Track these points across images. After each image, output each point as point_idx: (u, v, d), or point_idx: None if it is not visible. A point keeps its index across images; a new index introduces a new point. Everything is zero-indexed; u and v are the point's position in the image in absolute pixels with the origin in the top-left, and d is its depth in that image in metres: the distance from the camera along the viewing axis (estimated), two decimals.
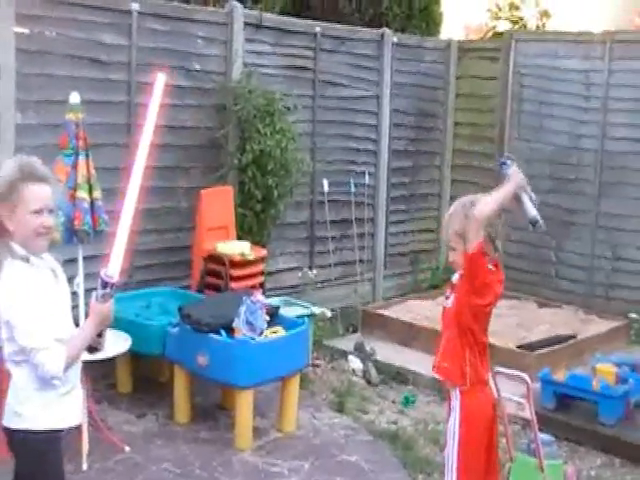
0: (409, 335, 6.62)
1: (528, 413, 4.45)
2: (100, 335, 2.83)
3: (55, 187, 2.85)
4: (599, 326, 7.03)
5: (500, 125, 8.20)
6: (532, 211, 3.23)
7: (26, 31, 5.21)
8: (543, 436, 4.56)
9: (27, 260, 2.77)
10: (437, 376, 3.47)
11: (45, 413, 2.79)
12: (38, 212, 2.75)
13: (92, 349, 2.87)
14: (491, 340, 6.10)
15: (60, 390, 2.81)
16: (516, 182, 3.19)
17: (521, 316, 7.22)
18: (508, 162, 3.27)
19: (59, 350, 2.71)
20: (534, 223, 3.22)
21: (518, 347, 6.26)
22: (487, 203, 3.11)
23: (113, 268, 2.73)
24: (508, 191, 3.18)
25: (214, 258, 5.80)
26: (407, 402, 5.73)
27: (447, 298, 3.39)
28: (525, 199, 3.24)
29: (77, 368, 2.92)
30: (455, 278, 3.38)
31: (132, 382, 5.54)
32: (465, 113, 8.53)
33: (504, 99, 8.16)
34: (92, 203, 4.65)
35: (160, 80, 2.91)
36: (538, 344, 6.32)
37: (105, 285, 2.73)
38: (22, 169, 2.75)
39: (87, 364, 4.57)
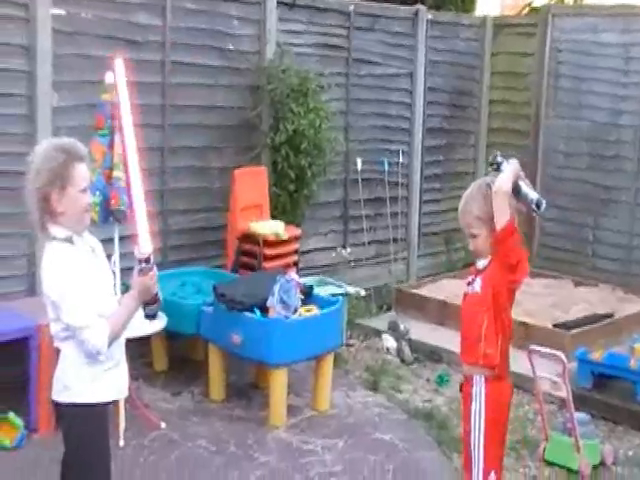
0: (443, 314, 6.59)
1: (564, 392, 4.44)
2: (154, 302, 2.89)
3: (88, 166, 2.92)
4: (637, 305, 6.93)
5: (536, 103, 8.08)
6: (533, 194, 3.15)
7: (62, 12, 5.24)
8: (579, 415, 4.55)
9: (70, 241, 2.83)
10: (477, 365, 3.22)
11: (93, 387, 2.86)
12: (84, 190, 2.84)
13: (149, 316, 2.95)
14: (527, 319, 6.15)
15: (106, 364, 2.88)
16: (513, 170, 3.10)
17: (557, 295, 7.15)
18: (502, 161, 3.15)
19: (102, 326, 2.77)
20: (539, 204, 3.11)
21: (554, 326, 6.21)
22: (503, 179, 3.04)
23: (143, 244, 2.81)
24: (512, 173, 3.08)
25: (248, 238, 5.82)
26: (441, 381, 5.73)
27: (470, 284, 3.24)
28: (524, 185, 3.13)
29: (121, 344, 2.99)
30: (482, 264, 3.20)
31: (167, 360, 5.61)
32: (500, 91, 8.42)
33: (540, 76, 8.03)
34: (128, 183, 4.68)
35: (119, 65, 2.94)
36: (574, 323, 6.27)
37: (140, 262, 2.81)
38: (68, 150, 2.81)
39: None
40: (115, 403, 3.03)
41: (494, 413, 3.14)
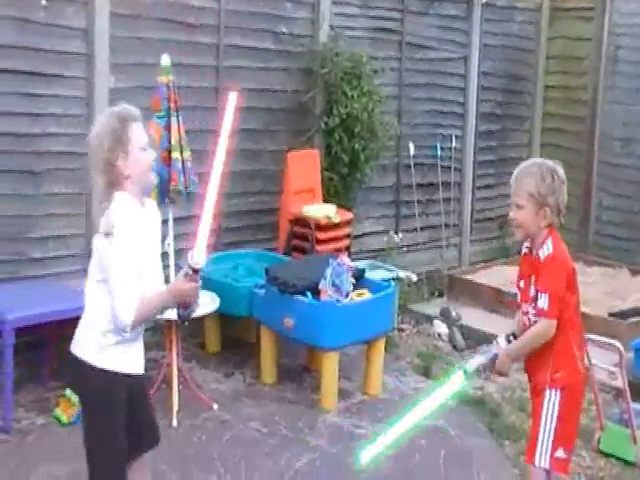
0: (496, 301, 6.52)
1: (620, 382, 4.36)
2: (187, 308, 2.91)
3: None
4: None
5: (593, 87, 7.92)
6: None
7: None
8: (636, 406, 4.46)
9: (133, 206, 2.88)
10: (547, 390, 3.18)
11: (102, 353, 2.87)
12: (145, 149, 2.91)
13: (180, 317, 2.95)
14: (583, 309, 6.02)
15: (119, 336, 2.88)
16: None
17: (614, 284, 7.02)
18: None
19: (132, 305, 2.79)
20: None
21: (610, 315, 6.10)
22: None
23: (198, 255, 2.79)
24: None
25: (300, 221, 5.82)
26: None
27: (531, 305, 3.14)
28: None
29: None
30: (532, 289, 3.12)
31: (220, 342, 5.65)
32: (556, 76, 8.27)
33: (598, 60, 7.87)
34: (182, 164, 4.71)
35: (232, 100, 2.92)
36: (631, 312, 6.15)
37: (190, 268, 2.81)
38: (121, 113, 2.88)
39: (176, 324, 4.72)
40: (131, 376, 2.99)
41: (569, 404, 3.17)
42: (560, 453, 3.15)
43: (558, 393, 3.13)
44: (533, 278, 3.10)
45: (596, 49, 7.87)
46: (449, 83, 7.55)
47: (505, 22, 7.98)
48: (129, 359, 2.95)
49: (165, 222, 4.76)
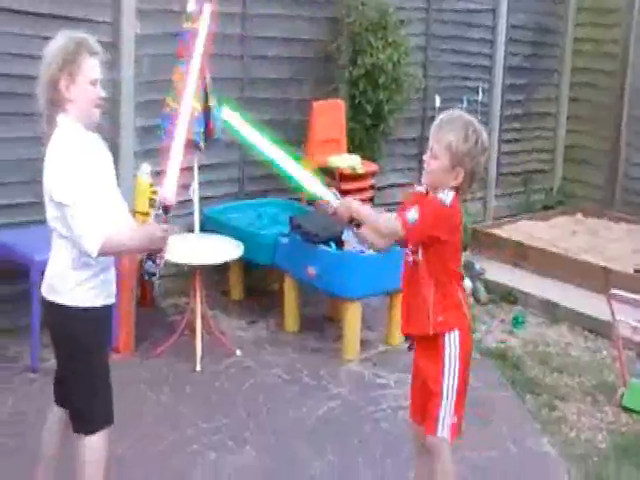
0: (520, 255, 6.49)
1: None
2: (155, 261, 2.88)
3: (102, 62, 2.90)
4: None
5: (624, 41, 7.73)
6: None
7: None
8: None
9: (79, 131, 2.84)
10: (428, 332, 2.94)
11: (79, 290, 2.84)
12: (94, 83, 2.84)
13: (148, 274, 2.94)
14: (608, 264, 6.01)
15: (93, 269, 2.85)
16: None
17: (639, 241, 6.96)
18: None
19: (98, 234, 2.73)
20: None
21: (636, 271, 6.04)
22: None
23: (168, 192, 2.79)
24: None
25: (325, 171, 5.77)
26: (517, 322, 5.65)
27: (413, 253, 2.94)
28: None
29: None
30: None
31: (243, 290, 5.67)
32: (586, 28, 8.08)
33: (630, 12, 7.68)
34: (208, 112, 4.69)
35: (207, 10, 2.90)
36: None
37: (159, 207, 2.80)
38: (79, 41, 2.83)
39: (201, 270, 4.75)
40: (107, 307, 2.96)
41: (466, 362, 2.97)
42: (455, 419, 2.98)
43: (457, 334, 2.91)
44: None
45: (628, 1, 7.69)
46: (477, 35, 7.42)
47: None
48: (105, 290, 2.92)
49: (189, 170, 4.79)
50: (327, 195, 2.90)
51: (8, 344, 4.69)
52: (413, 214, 2.80)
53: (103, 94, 2.89)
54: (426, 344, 2.96)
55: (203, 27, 3.16)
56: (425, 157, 2.89)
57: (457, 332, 2.92)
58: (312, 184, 2.92)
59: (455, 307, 2.94)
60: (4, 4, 4.67)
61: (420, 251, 2.89)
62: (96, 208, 2.76)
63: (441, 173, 2.85)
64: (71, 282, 2.83)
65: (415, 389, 3.13)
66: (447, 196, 2.85)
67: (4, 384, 4.30)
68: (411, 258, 2.93)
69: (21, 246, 4.45)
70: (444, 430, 2.96)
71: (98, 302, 2.89)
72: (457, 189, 2.87)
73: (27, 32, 4.73)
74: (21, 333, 4.61)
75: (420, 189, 2.97)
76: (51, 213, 2.82)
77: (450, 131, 2.83)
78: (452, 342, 2.92)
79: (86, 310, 2.86)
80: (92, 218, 2.74)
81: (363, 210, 2.91)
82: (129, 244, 2.90)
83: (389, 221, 2.88)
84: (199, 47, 3.07)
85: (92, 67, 2.83)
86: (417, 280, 2.92)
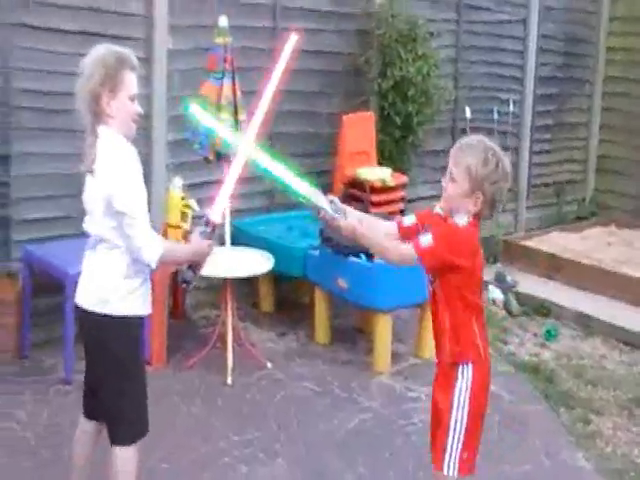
0: (552, 267, 6.44)
1: None
2: (195, 272, 2.93)
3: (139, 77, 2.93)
4: None
5: None
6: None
7: None
8: None
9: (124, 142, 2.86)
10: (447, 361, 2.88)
11: (130, 300, 2.87)
12: (133, 99, 2.87)
13: (185, 282, 2.98)
14: None
15: (139, 279, 2.88)
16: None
17: None
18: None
19: (158, 240, 2.81)
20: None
21: None
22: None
23: (216, 213, 2.85)
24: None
25: (355, 183, 5.80)
26: (549, 335, 5.60)
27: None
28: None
29: None
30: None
31: (274, 302, 5.69)
32: (619, 37, 8.04)
33: None
34: (238, 125, 4.72)
35: (292, 41, 2.90)
36: None
37: (207, 224, 2.87)
38: (120, 56, 2.84)
39: (231, 283, 4.76)
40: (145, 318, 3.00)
41: (479, 397, 2.86)
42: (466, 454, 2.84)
43: (470, 368, 2.82)
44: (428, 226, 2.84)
45: None
46: (507, 46, 7.41)
47: None
48: (146, 300, 2.95)
49: (221, 183, 4.81)
50: (330, 209, 2.85)
51: (43, 356, 4.75)
52: (427, 238, 2.73)
53: (140, 110, 2.92)
54: (442, 372, 2.90)
55: (284, 57, 3.10)
56: (443, 181, 2.79)
57: (471, 365, 2.83)
58: (313, 197, 2.87)
59: (471, 341, 2.84)
60: (39, 23, 4.75)
61: (437, 281, 2.82)
62: (148, 219, 2.83)
63: (459, 198, 2.74)
64: (123, 291, 2.86)
65: (431, 416, 3.01)
66: (463, 220, 2.75)
67: (39, 396, 4.35)
68: (430, 288, 2.87)
69: (55, 260, 4.50)
70: (451, 466, 2.83)
71: (145, 310, 2.95)
72: (476, 215, 2.77)
73: (62, 50, 4.81)
74: (56, 345, 4.66)
75: (439, 211, 2.87)
76: (104, 223, 2.83)
77: (469, 154, 2.73)
78: (464, 375, 2.83)
79: (137, 318, 2.91)
80: (149, 229, 2.81)
81: (368, 235, 2.86)
82: (181, 257, 2.96)
83: (401, 246, 2.82)
84: (275, 77, 3.04)
85: (132, 82, 2.86)
86: (435, 310, 2.87)
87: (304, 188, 2.89)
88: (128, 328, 2.89)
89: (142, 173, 2.97)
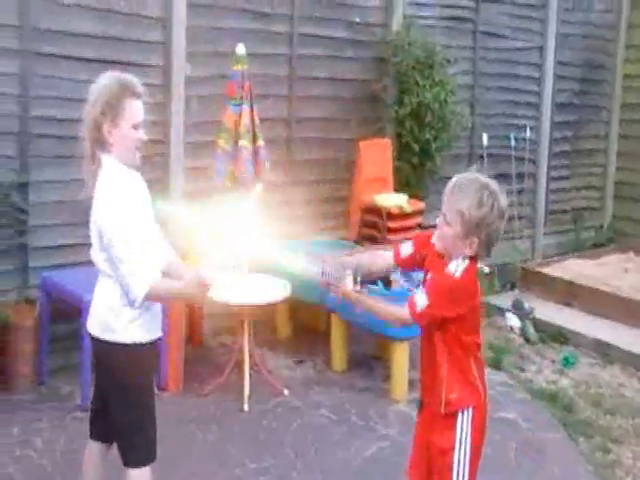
0: (570, 294, 6.39)
1: None
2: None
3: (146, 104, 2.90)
4: None
5: None
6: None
7: None
8: None
9: (124, 171, 2.85)
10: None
11: (132, 327, 2.86)
12: (137, 127, 2.84)
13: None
14: None
15: (144, 305, 2.85)
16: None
17: None
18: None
19: (145, 278, 2.75)
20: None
21: None
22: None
23: (212, 270, 2.78)
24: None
25: (372, 210, 5.80)
26: (567, 362, 5.55)
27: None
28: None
29: None
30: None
31: (291, 328, 5.68)
32: (636, 65, 8.05)
33: None
34: (254, 152, 4.74)
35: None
36: None
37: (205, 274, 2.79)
38: (124, 83, 2.82)
39: (249, 309, 4.76)
40: (156, 343, 2.99)
41: (479, 437, 2.81)
42: None
43: (470, 413, 2.75)
44: (430, 274, 2.78)
45: None
46: (524, 72, 7.42)
47: (583, 10, 7.78)
48: (150, 327, 2.93)
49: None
50: (325, 275, 2.82)
51: (60, 383, 4.76)
52: (421, 299, 2.66)
53: (145, 137, 2.89)
54: (438, 416, 2.80)
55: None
56: (437, 221, 2.69)
57: (470, 411, 2.75)
58: (307, 267, 2.85)
59: (470, 384, 2.77)
60: (57, 51, 4.81)
61: (433, 331, 2.75)
62: (143, 253, 2.78)
63: (453, 241, 2.65)
64: (124, 319, 2.85)
65: (418, 454, 2.94)
66: (458, 267, 2.66)
67: (56, 422, 4.35)
68: (424, 337, 2.81)
69: (71, 286, 4.52)
70: None
71: (149, 337, 2.93)
72: (472, 257, 2.69)
73: (80, 77, 4.86)
74: (72, 372, 4.66)
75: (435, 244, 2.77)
76: (99, 254, 2.84)
77: (462, 197, 2.61)
78: (464, 421, 2.75)
79: (140, 345, 2.89)
80: (139, 264, 2.76)
81: (365, 300, 2.86)
82: (170, 297, 2.98)
83: (397, 310, 2.78)
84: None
85: (135, 110, 2.83)
86: (430, 354, 2.78)
87: (297, 261, 2.87)
88: (132, 355, 2.88)
89: (148, 200, 2.97)
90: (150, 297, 2.79)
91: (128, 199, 2.80)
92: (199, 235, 4.79)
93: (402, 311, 2.73)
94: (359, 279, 2.85)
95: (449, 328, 2.70)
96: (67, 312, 4.55)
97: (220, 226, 3.06)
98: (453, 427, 2.75)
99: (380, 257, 3.02)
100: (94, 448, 3.11)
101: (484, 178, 2.68)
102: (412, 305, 2.68)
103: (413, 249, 2.90)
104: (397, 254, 2.93)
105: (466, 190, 2.63)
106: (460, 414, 2.75)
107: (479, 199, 2.60)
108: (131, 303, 2.80)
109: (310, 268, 2.81)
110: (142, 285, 2.75)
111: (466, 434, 2.75)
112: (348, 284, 2.82)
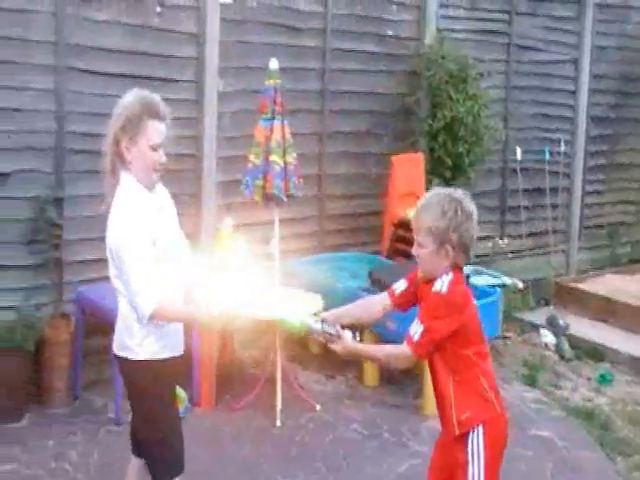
0: (606, 310, 6.30)
1: None
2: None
3: (167, 128, 2.88)
4: None
5: None
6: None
7: (229, 1, 5.36)
8: None
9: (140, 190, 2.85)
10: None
11: (145, 344, 2.86)
12: (155, 148, 2.84)
13: None
14: None
15: (152, 326, 2.85)
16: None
17: None
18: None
19: (153, 297, 2.74)
20: None
21: None
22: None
23: (215, 305, 2.79)
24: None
25: (404, 224, 5.75)
26: (604, 380, 5.46)
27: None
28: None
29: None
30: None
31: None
32: None
33: None
34: (285, 168, 4.74)
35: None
36: None
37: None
38: (148, 104, 2.82)
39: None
40: (176, 360, 2.99)
41: (495, 452, 2.74)
42: None
43: (480, 431, 2.69)
44: (421, 303, 2.77)
45: None
46: (558, 86, 7.37)
47: (619, 22, 7.71)
48: (167, 343, 2.92)
49: (270, 224, 4.84)
50: (324, 331, 2.78)
51: (94, 396, 4.80)
52: (416, 327, 2.65)
53: (164, 159, 2.87)
54: (451, 437, 2.74)
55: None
56: (414, 251, 2.74)
57: (481, 428, 2.69)
58: (303, 324, 2.81)
59: (480, 396, 2.72)
60: (91, 67, 4.87)
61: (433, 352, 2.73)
62: (153, 272, 2.78)
63: (431, 259, 2.69)
64: (138, 336, 2.86)
65: (436, 469, 2.90)
66: (444, 283, 2.67)
67: (90, 436, 4.37)
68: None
69: (104, 301, 4.53)
70: None
71: (167, 354, 2.92)
72: (454, 266, 2.69)
73: (114, 92, 4.87)
74: (106, 386, 4.69)
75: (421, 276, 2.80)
76: (113, 270, 2.87)
77: (425, 215, 2.68)
78: (474, 440, 2.69)
79: (156, 362, 2.89)
80: (147, 282, 2.76)
81: (365, 351, 2.87)
82: (178, 319, 2.94)
83: (396, 348, 2.72)
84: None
85: (154, 132, 2.82)
86: (434, 374, 2.76)
87: (293, 317, 2.85)
88: (149, 371, 2.89)
89: (174, 216, 2.99)
90: (158, 316, 2.79)
91: (139, 218, 2.79)
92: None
93: (401, 347, 2.69)
94: (357, 334, 2.82)
95: (444, 345, 2.68)
96: (101, 326, 4.57)
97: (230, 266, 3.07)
98: (464, 444, 2.71)
99: (372, 304, 3.04)
100: (135, 464, 3.12)
101: (444, 190, 2.77)
102: (409, 337, 2.66)
103: (407, 284, 2.91)
104: (392, 293, 2.94)
105: (427, 207, 2.70)
106: (470, 435, 2.70)
107: (441, 209, 2.66)
108: (139, 320, 2.81)
109: (308, 324, 2.79)
110: (148, 304, 2.76)
111: (478, 449, 2.70)
112: (347, 338, 2.78)
